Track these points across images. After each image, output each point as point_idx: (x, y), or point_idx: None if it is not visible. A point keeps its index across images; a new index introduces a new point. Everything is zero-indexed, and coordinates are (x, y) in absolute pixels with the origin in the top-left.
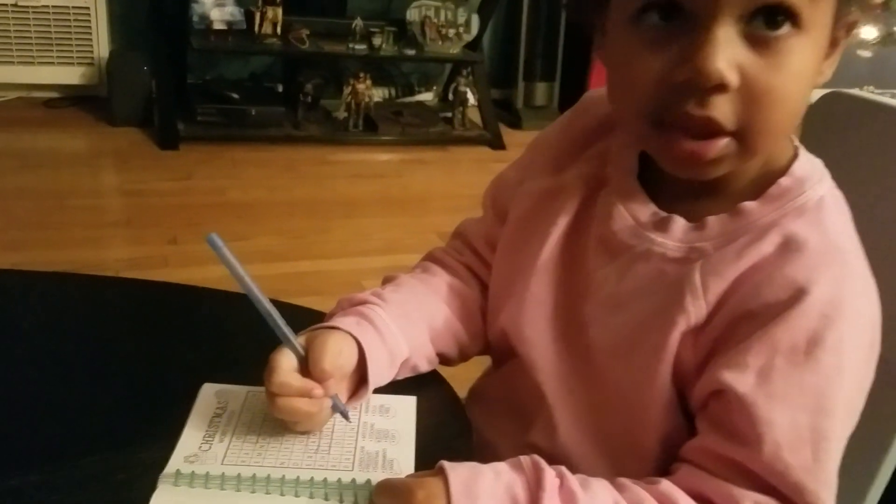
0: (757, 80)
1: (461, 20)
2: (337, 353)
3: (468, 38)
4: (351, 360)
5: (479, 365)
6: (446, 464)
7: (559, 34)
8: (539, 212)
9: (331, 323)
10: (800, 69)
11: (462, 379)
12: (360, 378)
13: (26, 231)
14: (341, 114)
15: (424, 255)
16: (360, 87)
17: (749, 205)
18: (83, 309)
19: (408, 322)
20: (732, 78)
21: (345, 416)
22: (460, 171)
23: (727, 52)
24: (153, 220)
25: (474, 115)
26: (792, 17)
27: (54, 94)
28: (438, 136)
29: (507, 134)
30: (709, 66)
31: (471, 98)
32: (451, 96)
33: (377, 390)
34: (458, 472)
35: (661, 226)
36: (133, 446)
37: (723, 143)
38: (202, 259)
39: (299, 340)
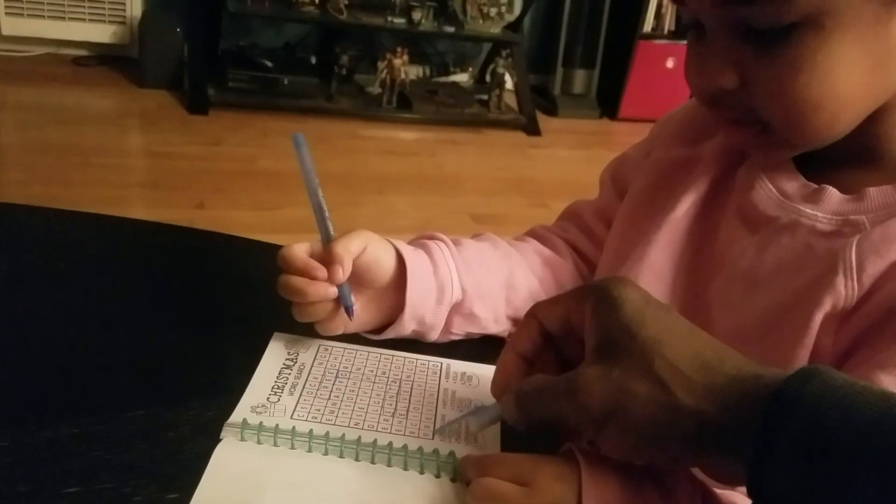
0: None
1: None
2: (358, 245)
3: (510, 17)
4: (384, 267)
5: None
6: (573, 445)
7: (602, 20)
8: (668, 182)
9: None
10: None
11: None
12: (399, 303)
13: (50, 186)
14: (375, 89)
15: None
16: (397, 61)
17: None
18: (131, 255)
19: (478, 267)
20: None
21: (348, 310)
22: (495, 155)
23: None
24: (180, 183)
25: (510, 100)
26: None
27: (83, 52)
28: (473, 118)
29: (543, 121)
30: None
31: (508, 81)
32: (488, 78)
33: (447, 353)
34: (589, 455)
35: (812, 198)
36: (184, 403)
37: (755, 133)
38: (230, 225)
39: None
